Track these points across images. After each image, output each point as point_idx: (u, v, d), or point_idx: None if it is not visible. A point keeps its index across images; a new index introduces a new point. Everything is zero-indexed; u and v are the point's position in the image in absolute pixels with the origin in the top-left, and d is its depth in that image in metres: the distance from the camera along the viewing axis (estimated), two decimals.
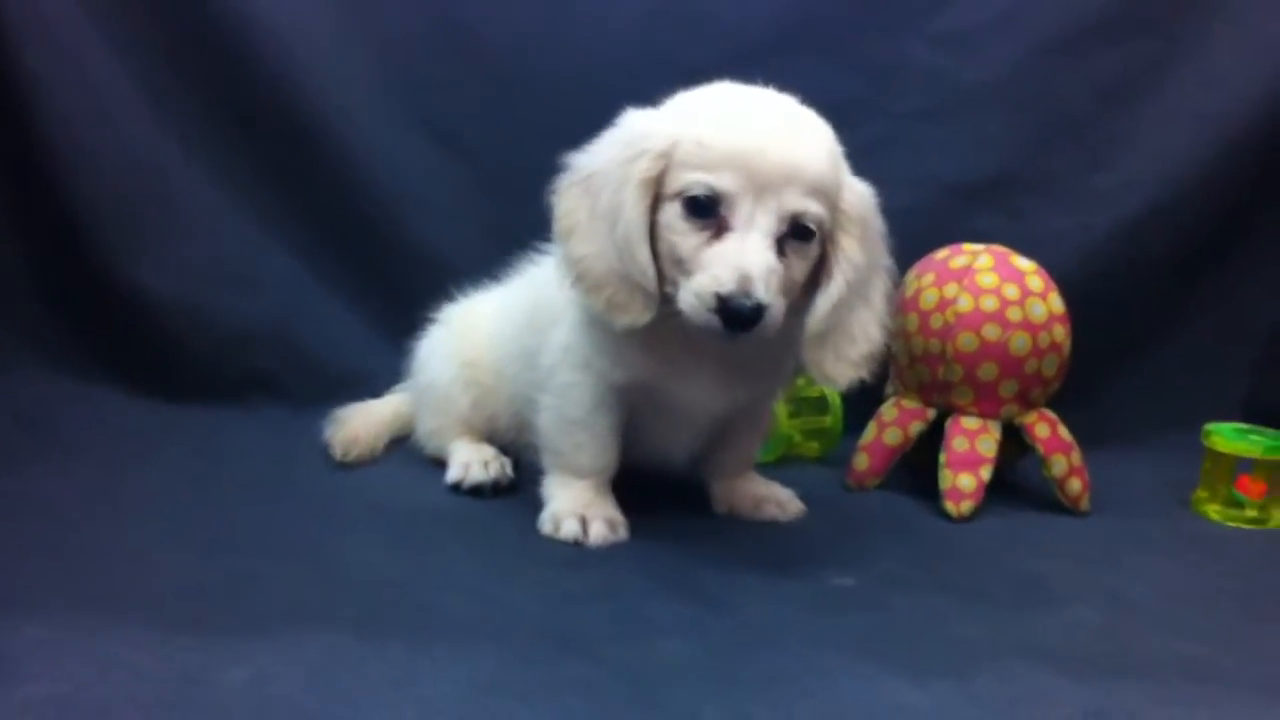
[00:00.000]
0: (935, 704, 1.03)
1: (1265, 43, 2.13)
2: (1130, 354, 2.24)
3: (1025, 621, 1.25)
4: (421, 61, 2.16)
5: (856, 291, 1.35)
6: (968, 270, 1.71)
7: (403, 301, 1.96)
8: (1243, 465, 1.73)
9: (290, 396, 2.10)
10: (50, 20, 2.03)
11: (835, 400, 1.96)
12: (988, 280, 1.68)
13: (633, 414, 1.51)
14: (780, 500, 1.63)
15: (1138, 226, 2.16)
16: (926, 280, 1.75)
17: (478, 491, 1.64)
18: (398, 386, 1.94)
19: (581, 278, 1.34)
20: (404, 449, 1.86)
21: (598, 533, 1.44)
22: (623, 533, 1.47)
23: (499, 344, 1.70)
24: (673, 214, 1.29)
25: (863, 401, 1.80)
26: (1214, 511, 1.73)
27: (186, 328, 2.11)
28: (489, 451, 1.71)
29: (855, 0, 2.15)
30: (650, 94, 1.39)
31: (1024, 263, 1.72)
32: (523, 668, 1.06)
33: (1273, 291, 2.25)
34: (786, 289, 1.29)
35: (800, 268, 1.32)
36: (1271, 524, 1.70)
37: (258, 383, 2.12)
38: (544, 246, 1.62)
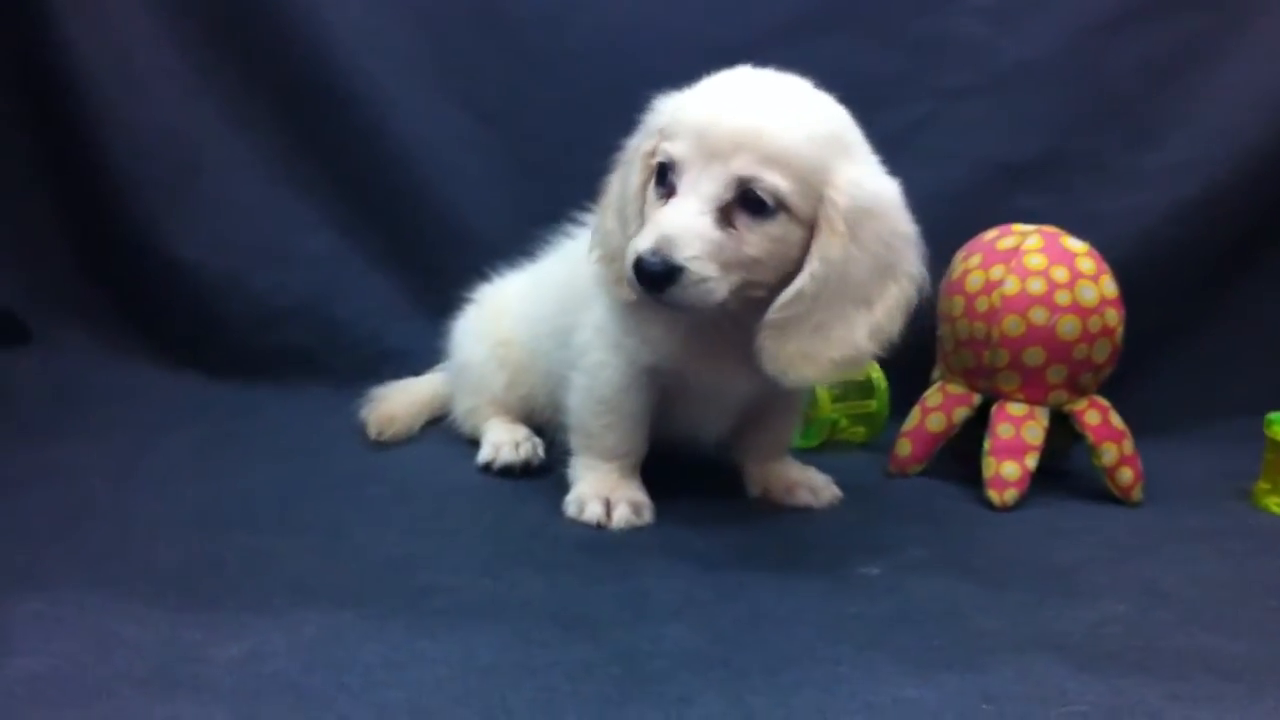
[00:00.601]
0: (940, 698, 0.99)
1: None
2: (1185, 338, 2.16)
3: (1050, 614, 1.19)
4: (457, 37, 2.17)
5: (838, 289, 1.26)
6: (1015, 251, 1.65)
7: (439, 277, 1.98)
8: None
9: (327, 373, 2.13)
10: None
11: (881, 384, 1.91)
12: (1035, 262, 1.63)
13: (663, 395, 1.49)
14: (815, 486, 1.60)
15: (1191, 208, 2.08)
16: (973, 262, 1.69)
17: (508, 472, 1.64)
18: (438, 366, 1.94)
19: (604, 251, 1.40)
20: (442, 429, 1.87)
21: (621, 516, 1.43)
22: (647, 516, 1.46)
23: (533, 322, 1.69)
24: (652, 187, 1.33)
25: (909, 386, 1.77)
26: (1275, 504, 1.65)
27: (222, 301, 2.16)
28: (521, 432, 1.71)
29: None
30: (684, 72, 1.37)
31: (1075, 244, 1.66)
32: (521, 650, 1.05)
33: None
34: (739, 263, 1.25)
35: (758, 244, 1.25)
36: None
37: (294, 358, 2.15)
38: (577, 222, 1.62)
